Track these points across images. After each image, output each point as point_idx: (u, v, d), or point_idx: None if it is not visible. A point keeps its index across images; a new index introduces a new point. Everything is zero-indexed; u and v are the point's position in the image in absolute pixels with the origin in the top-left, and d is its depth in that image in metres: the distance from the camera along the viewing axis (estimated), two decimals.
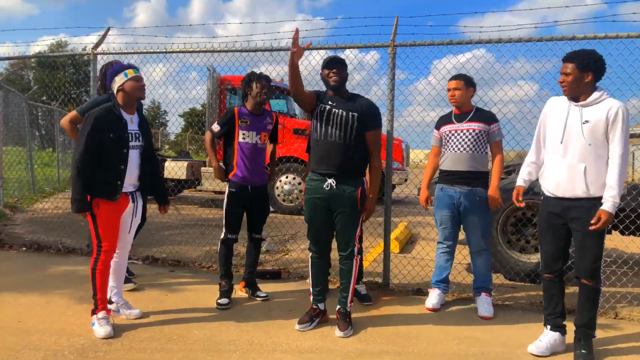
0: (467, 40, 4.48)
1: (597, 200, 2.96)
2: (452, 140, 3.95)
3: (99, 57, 5.68)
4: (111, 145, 3.19)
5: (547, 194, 3.20)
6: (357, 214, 3.44)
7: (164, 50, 5.46)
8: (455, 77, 4.02)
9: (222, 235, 4.05)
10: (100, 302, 3.27)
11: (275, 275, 4.77)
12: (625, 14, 4.94)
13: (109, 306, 3.41)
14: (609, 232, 4.92)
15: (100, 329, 3.18)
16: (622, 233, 4.88)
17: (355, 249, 3.48)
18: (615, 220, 4.61)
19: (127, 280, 4.10)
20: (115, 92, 3.31)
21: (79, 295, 3.97)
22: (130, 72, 3.27)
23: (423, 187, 4.18)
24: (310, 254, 3.64)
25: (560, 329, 3.23)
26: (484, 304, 3.90)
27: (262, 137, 4.11)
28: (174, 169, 9.82)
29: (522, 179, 3.35)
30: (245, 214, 4.12)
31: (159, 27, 5.64)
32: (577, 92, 3.05)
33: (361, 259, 3.87)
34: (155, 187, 3.61)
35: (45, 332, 3.21)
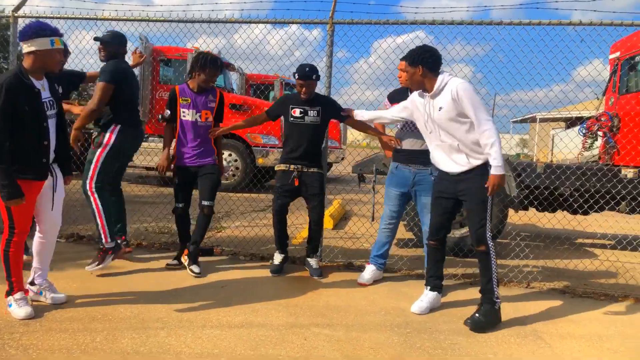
0: (402, 21, 4.57)
1: (480, 169, 3.21)
2: (408, 121, 3.92)
3: (20, 20, 5.26)
4: (29, 120, 2.83)
5: (438, 168, 3.46)
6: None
7: (95, 17, 5.15)
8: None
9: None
10: (15, 284, 3.06)
11: (207, 253, 4.71)
12: (548, 1, 5.22)
13: (31, 288, 3.22)
14: (526, 209, 5.29)
15: (20, 310, 3.00)
16: (537, 209, 5.25)
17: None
18: (531, 197, 4.95)
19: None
20: (25, 52, 2.85)
21: None
22: (57, 43, 2.88)
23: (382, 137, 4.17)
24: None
25: (438, 289, 3.60)
26: None
27: (202, 114, 4.11)
28: None
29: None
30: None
31: None
32: (418, 86, 3.36)
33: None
34: (61, 156, 3.21)
35: None
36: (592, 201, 4.84)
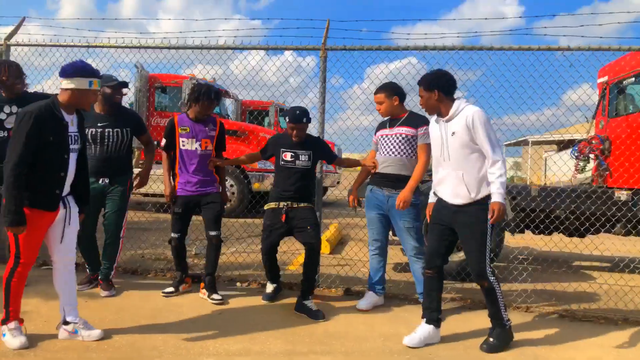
0: (394, 47, 4.66)
1: (480, 204, 3.18)
2: (383, 145, 4.03)
3: (12, 49, 5.30)
4: (51, 150, 2.88)
5: (439, 196, 3.43)
6: None
7: (87, 44, 5.19)
8: (376, 91, 4.04)
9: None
10: (12, 313, 3.01)
11: (197, 278, 4.65)
12: (537, 27, 5.40)
13: (65, 327, 3.15)
14: (522, 232, 5.30)
15: (14, 340, 2.95)
16: (533, 232, 5.26)
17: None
18: (527, 220, 4.96)
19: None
20: (63, 87, 2.94)
21: None
22: (95, 84, 2.98)
23: (353, 188, 4.27)
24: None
25: (435, 322, 3.41)
26: None
27: (202, 143, 4.13)
28: None
29: (432, 196, 3.55)
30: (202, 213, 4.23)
31: (83, 19, 5.32)
32: (435, 110, 3.34)
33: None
34: (80, 190, 3.23)
35: None
36: (587, 224, 4.86)
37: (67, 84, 2.93)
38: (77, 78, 2.92)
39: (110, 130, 4.13)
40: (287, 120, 4.04)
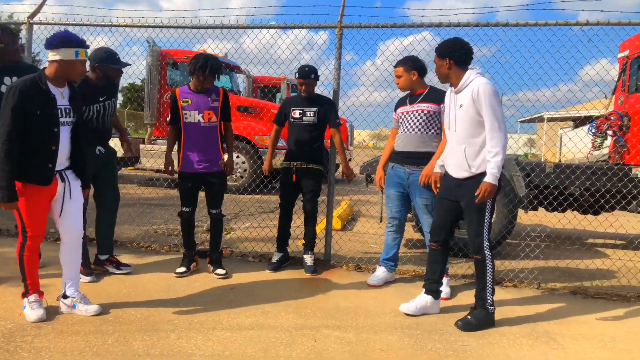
0: (410, 24, 4.59)
1: (480, 177, 3.13)
2: (404, 122, 3.96)
3: (35, 27, 5.32)
4: (39, 123, 2.84)
5: (446, 169, 3.44)
6: None
7: (109, 23, 5.21)
8: (396, 65, 4.01)
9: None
10: (31, 287, 3.08)
11: (202, 255, 4.69)
12: (555, 2, 5.23)
13: (64, 301, 3.20)
14: (535, 209, 5.26)
15: (32, 313, 3.03)
16: (547, 209, 5.22)
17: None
18: (541, 197, 4.92)
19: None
20: (50, 60, 2.88)
21: (4, 277, 3.76)
22: (82, 54, 2.91)
23: (379, 168, 4.21)
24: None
25: (434, 293, 3.48)
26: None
27: (205, 115, 4.05)
28: None
29: (438, 166, 3.54)
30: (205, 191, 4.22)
31: None
32: (445, 79, 3.30)
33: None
34: (78, 167, 3.18)
35: None
36: (602, 201, 4.80)
37: (53, 55, 2.88)
38: (62, 49, 2.87)
39: (110, 101, 4.02)
40: (297, 76, 4.35)
